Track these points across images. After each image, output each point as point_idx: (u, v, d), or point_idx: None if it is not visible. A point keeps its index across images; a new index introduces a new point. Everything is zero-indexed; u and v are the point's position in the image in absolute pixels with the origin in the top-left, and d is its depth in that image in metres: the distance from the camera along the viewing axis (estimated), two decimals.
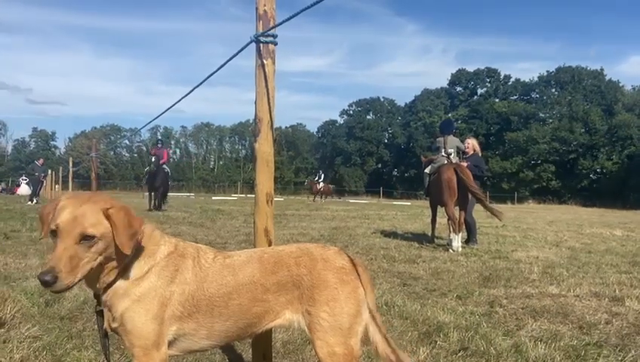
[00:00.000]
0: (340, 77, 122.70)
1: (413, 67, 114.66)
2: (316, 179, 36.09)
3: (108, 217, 1.79)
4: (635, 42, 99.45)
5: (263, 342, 2.47)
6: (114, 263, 1.85)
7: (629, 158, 52.25)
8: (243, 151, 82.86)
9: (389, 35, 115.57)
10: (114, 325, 1.89)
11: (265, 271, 2.00)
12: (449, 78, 71.45)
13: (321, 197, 35.38)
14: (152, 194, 17.72)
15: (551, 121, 62.07)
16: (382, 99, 76.52)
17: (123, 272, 1.87)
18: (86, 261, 1.75)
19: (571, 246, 9.57)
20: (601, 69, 63.27)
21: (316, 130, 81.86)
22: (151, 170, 17.58)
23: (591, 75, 62.91)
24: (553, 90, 65.16)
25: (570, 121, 58.06)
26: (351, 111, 76.93)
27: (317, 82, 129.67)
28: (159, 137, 26.74)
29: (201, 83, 2.94)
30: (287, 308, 2.03)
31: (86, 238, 1.74)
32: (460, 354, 3.27)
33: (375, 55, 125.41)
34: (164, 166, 17.94)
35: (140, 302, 1.85)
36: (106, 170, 69.55)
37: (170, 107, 3.69)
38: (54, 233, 1.74)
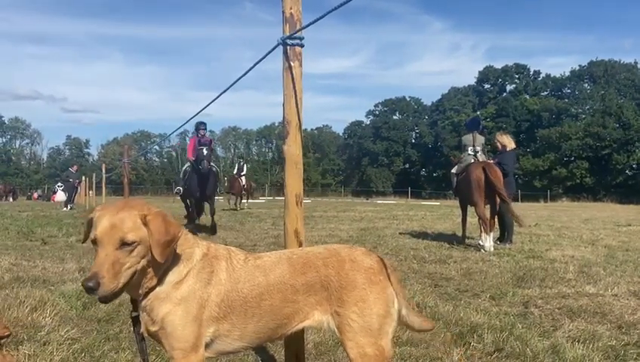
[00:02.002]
0: (366, 78, 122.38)
1: (440, 65, 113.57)
2: (235, 172, 22.89)
3: (145, 223, 1.82)
4: None
5: (295, 343, 2.48)
6: (156, 268, 1.88)
7: None
8: (270, 154, 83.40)
9: (416, 33, 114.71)
10: (153, 329, 1.91)
11: (294, 272, 2.01)
12: (477, 76, 70.50)
13: (246, 198, 23.93)
14: (197, 203, 11.78)
15: (584, 116, 60.51)
16: (408, 99, 75.98)
17: (164, 276, 1.90)
18: (127, 266, 1.78)
19: (608, 244, 9.29)
20: (635, 62, 61.46)
21: (342, 131, 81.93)
22: (202, 169, 10.57)
23: (624, 68, 61.11)
24: (585, 84, 63.56)
25: (603, 116, 56.39)
26: (377, 112, 76.65)
27: (343, 83, 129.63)
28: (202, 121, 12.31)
29: (229, 87, 2.97)
30: (316, 309, 2.03)
31: (125, 244, 1.77)
32: (494, 355, 3.22)
33: (401, 54, 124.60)
34: (213, 165, 11.49)
35: (181, 305, 1.88)
36: (137, 175, 71.00)
37: (199, 112, 3.73)
38: (94, 242, 1.79)
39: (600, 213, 22.23)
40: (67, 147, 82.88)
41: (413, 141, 72.78)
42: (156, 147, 79.22)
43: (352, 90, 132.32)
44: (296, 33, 2.25)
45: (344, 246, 2.18)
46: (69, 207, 22.27)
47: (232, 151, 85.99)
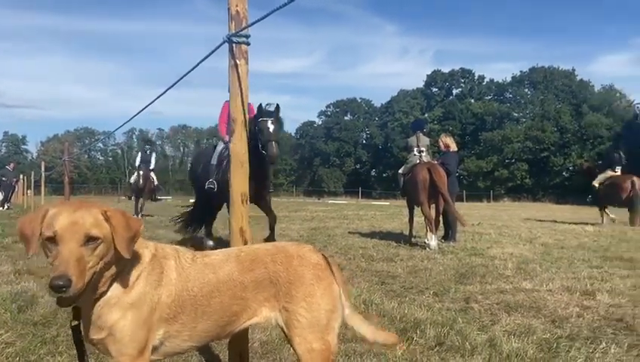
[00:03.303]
0: (319, 78, 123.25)
1: (390, 68, 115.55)
2: (139, 162, 15.93)
3: (107, 219, 1.76)
4: (605, 43, 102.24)
5: (239, 342, 2.47)
6: (112, 270, 1.81)
7: (599, 156, 53.56)
8: None
9: (368, 36, 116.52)
10: (100, 336, 1.82)
11: (243, 269, 2.01)
12: (425, 79, 72.25)
13: (151, 197, 16.51)
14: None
15: (524, 120, 63.28)
16: (359, 100, 76.88)
17: (115, 281, 1.83)
18: (90, 265, 1.70)
19: (544, 242, 9.76)
20: (573, 69, 64.79)
21: (294, 131, 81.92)
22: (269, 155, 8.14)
23: (562, 74, 64.29)
24: (526, 90, 66.42)
25: (542, 120, 59.30)
26: (329, 112, 77.12)
27: (296, 83, 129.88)
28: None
29: (174, 84, 2.92)
30: (264, 306, 2.04)
31: (90, 240, 1.69)
32: (435, 349, 3.32)
33: (353, 56, 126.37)
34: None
35: (132, 309, 1.82)
36: (79, 174, 68.16)
37: (144, 108, 3.63)
38: (52, 240, 1.67)
39: (538, 213, 23.32)
40: (4, 144, 78.58)
41: (364, 142, 73.72)
42: (100, 145, 76.44)
43: (304, 90, 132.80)
44: (241, 31, 2.24)
45: (291, 243, 2.21)
46: (5, 207, 21.15)
47: (182, 150, 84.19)
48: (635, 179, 14.23)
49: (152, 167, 16.07)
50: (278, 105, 6.74)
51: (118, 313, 1.81)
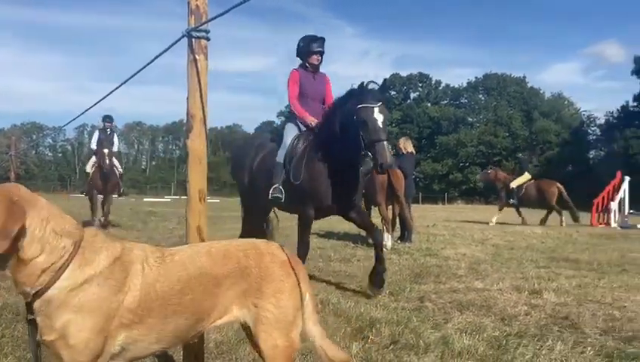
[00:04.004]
0: (279, 77, 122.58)
1: (350, 70, 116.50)
2: (94, 144, 11.73)
3: None
4: (555, 52, 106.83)
5: (195, 343, 2.43)
6: (36, 264, 1.71)
7: (548, 162, 55.82)
8: (177, 151, 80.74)
9: (328, 37, 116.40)
10: (50, 337, 1.74)
11: (215, 264, 1.99)
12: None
13: (118, 191, 11.98)
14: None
15: (478, 125, 65.21)
16: None
17: (54, 280, 1.74)
18: None
19: (495, 243, 10.09)
20: (524, 77, 67.29)
21: (254, 130, 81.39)
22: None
23: (514, 81, 66.65)
24: (480, 95, 68.47)
25: (495, 125, 61.32)
26: (288, 113, 76.98)
27: (255, 83, 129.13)
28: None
29: (128, 79, 2.85)
30: (234, 303, 2.02)
31: None
32: (390, 347, 3.37)
33: None
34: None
35: (84, 314, 1.73)
36: (27, 170, 65.29)
37: (95, 104, 3.53)
38: None
39: (490, 215, 24.02)
40: None
41: None
42: (49, 140, 73.49)
43: (264, 89, 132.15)
44: (201, 26, 2.21)
45: (260, 240, 2.22)
46: None
47: (136, 147, 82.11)
48: (558, 185, 15.89)
49: (115, 149, 11.81)
50: (385, 80, 5.00)
51: (68, 316, 1.73)
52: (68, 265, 1.76)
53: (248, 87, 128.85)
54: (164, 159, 79.82)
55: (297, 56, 5.61)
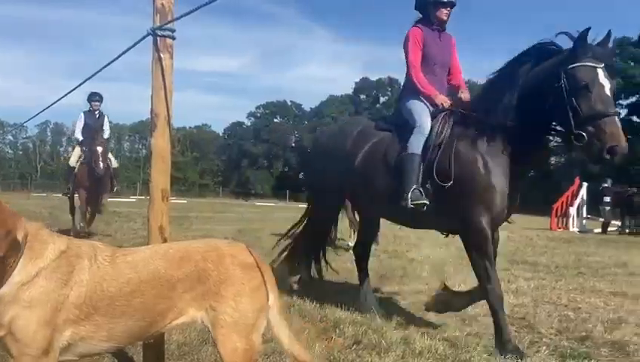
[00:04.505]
0: (249, 79, 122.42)
1: (321, 73, 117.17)
2: (79, 132, 9.41)
3: None
4: None
5: (155, 344, 2.41)
6: None
7: None
8: (143, 150, 79.20)
9: (300, 39, 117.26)
10: (0, 333, 1.74)
11: (170, 267, 1.96)
12: (353, 86, 73.84)
13: (111, 189, 9.70)
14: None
15: None
16: (289, 103, 77.13)
17: (8, 276, 1.73)
18: None
19: (459, 246, 10.18)
20: None
21: (222, 131, 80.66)
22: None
23: (480, 88, 68.17)
24: None
25: None
26: (258, 114, 76.67)
27: (225, 83, 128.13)
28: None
29: (92, 75, 2.81)
30: (191, 305, 2.00)
31: None
32: (353, 347, 3.42)
33: (285, 59, 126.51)
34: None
35: (31, 308, 1.73)
36: None
37: (58, 100, 3.46)
38: None
39: None
40: None
41: (293, 145, 74.01)
42: (10, 137, 71.01)
43: (234, 90, 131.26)
44: (167, 24, 2.20)
45: (224, 241, 2.20)
46: None
47: None
48: None
49: (106, 136, 9.43)
50: (610, 31, 3.36)
51: (16, 310, 1.73)
52: (19, 260, 1.76)
53: (218, 87, 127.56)
54: (129, 158, 78.08)
55: (416, 9, 4.30)
